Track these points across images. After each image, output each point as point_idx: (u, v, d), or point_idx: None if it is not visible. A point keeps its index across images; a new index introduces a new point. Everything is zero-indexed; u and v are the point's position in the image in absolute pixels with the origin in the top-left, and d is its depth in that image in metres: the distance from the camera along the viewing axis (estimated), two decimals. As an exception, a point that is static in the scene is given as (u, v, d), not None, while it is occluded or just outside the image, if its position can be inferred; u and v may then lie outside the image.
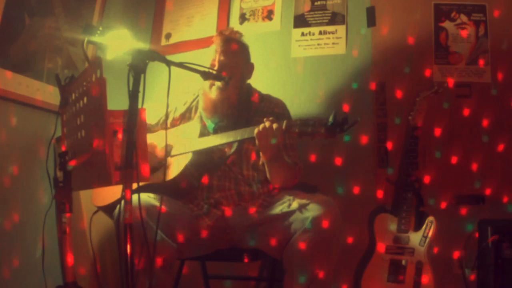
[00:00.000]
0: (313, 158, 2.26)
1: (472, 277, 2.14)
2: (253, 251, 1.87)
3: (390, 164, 2.34)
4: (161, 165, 1.94)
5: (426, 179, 2.23)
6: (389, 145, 2.35)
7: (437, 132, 2.27)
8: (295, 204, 1.76)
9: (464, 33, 2.36)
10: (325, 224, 1.67)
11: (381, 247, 2.14)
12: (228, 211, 1.91)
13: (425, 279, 2.01)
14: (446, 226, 2.15)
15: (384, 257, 2.12)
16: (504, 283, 2.01)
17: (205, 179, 1.95)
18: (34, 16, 2.18)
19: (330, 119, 1.50)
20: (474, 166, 2.23)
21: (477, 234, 2.14)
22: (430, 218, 2.10)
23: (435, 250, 2.09)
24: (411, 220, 2.13)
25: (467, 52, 2.35)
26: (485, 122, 2.24)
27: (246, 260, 1.88)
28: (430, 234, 2.07)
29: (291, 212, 1.75)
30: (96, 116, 1.29)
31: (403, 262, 2.06)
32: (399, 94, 2.36)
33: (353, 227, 2.21)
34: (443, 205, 2.24)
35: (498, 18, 2.33)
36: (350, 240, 2.20)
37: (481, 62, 2.32)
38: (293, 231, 1.71)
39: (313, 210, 1.70)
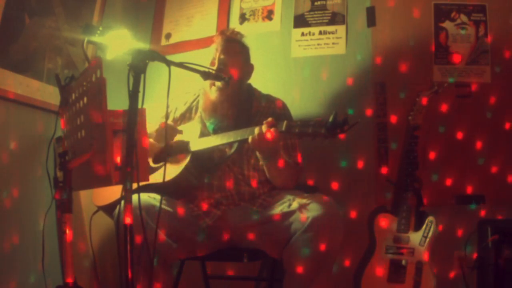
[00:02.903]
0: (313, 158, 2.26)
1: (472, 277, 2.14)
2: (253, 251, 1.87)
3: (390, 164, 2.34)
4: (158, 167, 1.93)
5: (426, 179, 2.23)
6: (389, 144, 2.35)
7: (437, 131, 2.27)
8: (295, 204, 1.76)
9: (464, 33, 2.36)
10: (325, 224, 1.67)
11: (381, 247, 2.14)
12: (228, 211, 1.91)
13: (425, 279, 2.01)
14: (446, 226, 2.15)
15: (384, 257, 2.12)
16: (504, 283, 2.01)
17: (205, 179, 1.95)
18: (34, 16, 2.18)
19: (331, 119, 1.50)
20: (475, 165, 2.23)
21: (477, 234, 2.14)
22: (430, 218, 2.10)
23: (435, 250, 2.08)
24: (411, 220, 2.13)
25: (467, 52, 2.35)
26: (484, 123, 2.24)
27: (246, 260, 1.88)
28: (430, 234, 2.07)
29: (291, 212, 1.75)
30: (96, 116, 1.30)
31: (403, 262, 2.06)
32: (399, 94, 2.36)
33: (353, 227, 2.21)
34: (443, 205, 2.24)
35: (498, 18, 2.33)
36: (350, 240, 2.20)
37: (481, 62, 2.32)
38: (293, 231, 1.71)
39: (313, 210, 1.70)
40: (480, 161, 2.23)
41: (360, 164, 2.36)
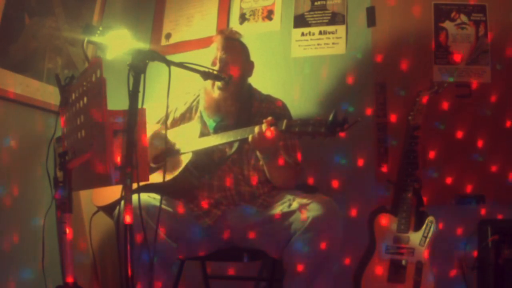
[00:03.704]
0: (313, 157, 2.26)
1: (472, 277, 2.14)
2: (253, 251, 1.87)
3: (390, 164, 2.34)
4: (158, 167, 1.93)
5: (426, 179, 2.23)
6: (389, 144, 2.35)
7: (437, 131, 2.27)
8: (295, 204, 1.76)
9: (464, 33, 2.36)
10: (325, 224, 1.67)
11: (381, 247, 2.14)
12: (228, 211, 1.91)
13: (425, 279, 2.01)
14: (446, 226, 2.15)
15: (384, 257, 2.12)
16: (504, 283, 2.01)
17: (205, 179, 1.95)
18: (34, 16, 2.18)
19: (330, 118, 1.50)
20: (475, 165, 2.23)
21: (477, 234, 2.14)
22: (430, 218, 2.09)
23: (435, 250, 2.08)
24: (411, 220, 2.13)
25: (467, 52, 2.35)
26: (484, 123, 2.24)
27: (246, 260, 1.88)
28: (430, 234, 2.06)
29: (291, 212, 1.75)
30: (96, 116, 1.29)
31: (403, 262, 2.06)
32: (399, 94, 2.36)
33: (353, 227, 2.21)
34: (443, 205, 2.24)
35: (498, 18, 2.33)
36: (350, 240, 2.20)
37: (481, 62, 2.32)
38: (293, 231, 1.71)
39: (313, 210, 1.70)
40: (480, 161, 2.23)
41: (360, 164, 2.36)
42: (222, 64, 1.93)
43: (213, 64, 1.95)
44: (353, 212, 2.29)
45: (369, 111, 2.39)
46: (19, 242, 2.05)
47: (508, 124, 2.23)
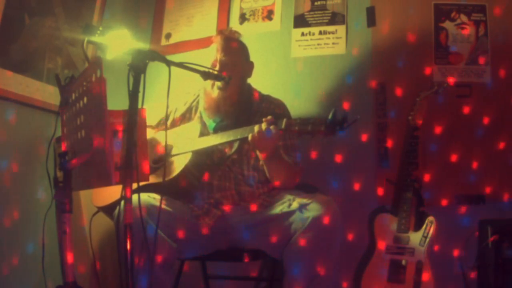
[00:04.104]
0: (313, 157, 2.26)
1: (472, 277, 2.14)
2: (253, 251, 1.87)
3: (390, 164, 2.34)
4: (161, 161, 1.94)
5: (426, 179, 2.23)
6: (389, 145, 2.35)
7: (437, 131, 2.27)
8: (295, 204, 1.76)
9: (464, 33, 2.36)
10: (326, 224, 1.68)
11: (381, 247, 2.14)
12: (228, 211, 1.91)
13: (425, 279, 2.01)
14: (446, 226, 2.15)
15: (384, 257, 2.11)
16: (504, 283, 2.01)
17: (205, 179, 1.95)
18: (34, 16, 2.18)
19: (330, 116, 1.50)
20: (474, 165, 2.23)
21: (477, 234, 2.14)
22: (430, 218, 2.09)
23: (435, 250, 2.08)
24: (411, 220, 2.13)
25: (467, 52, 2.35)
26: (485, 121, 2.24)
27: (246, 260, 1.88)
28: (430, 234, 2.07)
29: (291, 212, 1.75)
30: (96, 116, 1.29)
31: (403, 262, 2.06)
32: (399, 94, 2.36)
33: (353, 227, 2.21)
34: (443, 205, 2.24)
35: (498, 18, 2.33)
36: (350, 240, 2.20)
37: (481, 62, 2.32)
38: (293, 231, 1.72)
39: (313, 210, 1.70)
40: (480, 161, 2.23)
41: (360, 164, 2.36)
42: (222, 65, 1.94)
43: (213, 65, 1.95)
44: (353, 212, 2.28)
45: (369, 111, 2.39)
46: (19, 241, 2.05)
47: (507, 125, 2.23)
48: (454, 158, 2.25)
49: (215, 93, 1.95)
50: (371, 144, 2.38)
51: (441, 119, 2.28)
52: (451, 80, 2.27)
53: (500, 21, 2.32)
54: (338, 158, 2.35)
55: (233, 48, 2.01)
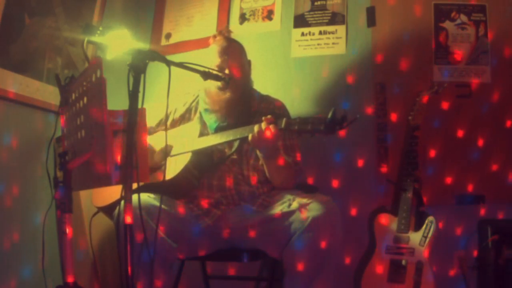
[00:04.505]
0: (312, 157, 2.26)
1: (472, 277, 2.14)
2: (253, 251, 1.87)
3: (390, 164, 2.34)
4: (157, 168, 1.94)
5: (426, 179, 2.23)
6: (389, 145, 2.35)
7: (437, 131, 2.27)
8: (295, 204, 1.76)
9: (464, 33, 2.36)
10: (325, 224, 1.67)
11: (381, 247, 2.14)
12: (228, 211, 1.91)
13: (425, 279, 2.01)
14: (446, 226, 2.15)
15: (384, 257, 2.12)
16: (504, 283, 2.01)
17: (205, 179, 1.95)
18: (34, 16, 2.18)
19: (330, 116, 1.49)
20: (474, 165, 2.23)
21: (477, 234, 2.14)
22: (430, 218, 2.10)
23: (435, 250, 2.08)
24: (411, 220, 2.13)
25: (467, 52, 2.35)
26: (484, 123, 2.24)
27: (246, 260, 1.88)
28: (430, 234, 2.07)
29: (291, 212, 1.75)
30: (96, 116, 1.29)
31: (403, 262, 2.06)
32: (399, 94, 2.36)
33: (353, 227, 2.21)
34: (443, 205, 2.24)
35: (498, 18, 2.33)
36: (350, 240, 2.20)
37: (481, 62, 2.32)
38: (293, 231, 1.71)
39: (313, 210, 1.70)
40: (480, 161, 2.23)
41: (360, 164, 2.36)
42: (230, 67, 1.92)
43: (220, 67, 1.91)
44: (353, 212, 2.29)
45: (369, 111, 2.39)
46: (19, 241, 2.05)
47: (508, 124, 2.23)
48: (454, 158, 2.25)
49: (216, 93, 1.94)
50: (372, 144, 2.38)
51: (441, 119, 2.28)
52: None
53: (500, 21, 2.32)
54: (338, 160, 2.35)
55: (237, 49, 2.01)
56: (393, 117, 2.36)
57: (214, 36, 2.07)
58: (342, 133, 1.53)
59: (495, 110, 2.25)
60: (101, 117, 1.27)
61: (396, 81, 2.37)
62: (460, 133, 2.26)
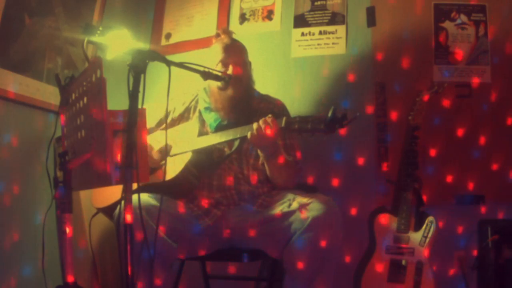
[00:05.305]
0: (312, 156, 2.26)
1: (472, 277, 2.14)
2: (253, 251, 1.87)
3: (390, 163, 2.34)
4: (157, 167, 1.93)
5: (426, 179, 2.23)
6: (389, 145, 2.35)
7: (437, 131, 2.27)
8: (295, 204, 1.75)
9: (464, 33, 2.36)
10: (325, 224, 1.67)
11: (381, 247, 2.14)
12: (228, 211, 1.91)
13: (425, 279, 2.01)
14: (446, 226, 2.15)
15: (384, 257, 2.12)
16: (504, 283, 2.01)
17: (205, 179, 1.95)
18: (34, 16, 2.18)
19: (329, 115, 1.49)
20: (474, 165, 2.23)
21: (477, 234, 2.14)
22: (430, 218, 2.10)
23: (435, 250, 2.08)
24: (411, 220, 2.13)
25: (467, 52, 2.35)
26: (484, 123, 2.24)
27: (246, 260, 1.87)
28: (430, 234, 2.07)
29: (291, 212, 1.75)
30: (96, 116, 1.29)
31: (403, 262, 2.06)
32: (399, 94, 2.36)
33: (353, 227, 2.21)
34: (443, 205, 2.24)
35: (498, 18, 2.33)
36: (350, 240, 2.20)
37: (481, 62, 2.32)
38: (293, 231, 1.71)
39: (313, 210, 1.70)
40: (480, 161, 2.23)
41: (360, 164, 2.36)
42: (235, 66, 1.91)
43: (224, 66, 1.92)
44: (353, 212, 2.29)
45: (369, 111, 2.39)
46: (19, 241, 2.05)
47: (508, 123, 2.23)
48: (454, 158, 2.25)
49: (218, 93, 1.94)
50: (372, 144, 2.38)
51: (441, 119, 2.28)
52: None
53: (500, 21, 2.32)
54: (338, 160, 2.35)
55: (240, 47, 2.02)
56: (393, 117, 2.36)
57: (218, 35, 2.07)
58: (342, 132, 1.53)
59: (495, 110, 2.25)
60: (101, 117, 1.27)
61: (396, 81, 2.37)
62: (460, 133, 2.26)
